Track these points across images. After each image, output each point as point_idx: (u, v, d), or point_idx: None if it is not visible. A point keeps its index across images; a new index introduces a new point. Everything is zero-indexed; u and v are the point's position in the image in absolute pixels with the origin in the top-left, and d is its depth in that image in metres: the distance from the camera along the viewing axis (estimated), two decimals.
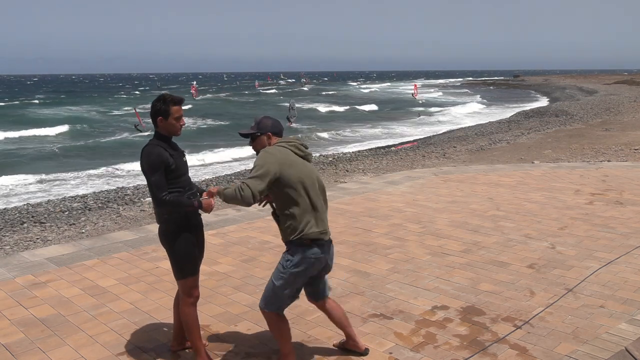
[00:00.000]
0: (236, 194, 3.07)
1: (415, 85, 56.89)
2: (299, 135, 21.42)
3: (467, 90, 78.67)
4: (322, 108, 46.50)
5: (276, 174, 3.15)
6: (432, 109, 43.21)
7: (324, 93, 74.58)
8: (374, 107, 47.20)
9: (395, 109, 45.58)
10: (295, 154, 3.30)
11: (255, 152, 3.36)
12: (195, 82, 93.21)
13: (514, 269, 5.22)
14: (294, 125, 31.30)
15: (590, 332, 3.94)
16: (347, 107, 46.97)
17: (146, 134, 30.41)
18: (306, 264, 3.27)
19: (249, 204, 3.11)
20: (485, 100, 50.67)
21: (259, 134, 3.34)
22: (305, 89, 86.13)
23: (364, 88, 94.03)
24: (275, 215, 3.39)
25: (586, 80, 77.64)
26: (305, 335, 3.95)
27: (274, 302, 3.32)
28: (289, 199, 3.22)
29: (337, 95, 70.61)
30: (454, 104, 48.44)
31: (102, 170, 18.17)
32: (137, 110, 35.09)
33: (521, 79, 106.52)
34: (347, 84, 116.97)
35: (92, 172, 17.88)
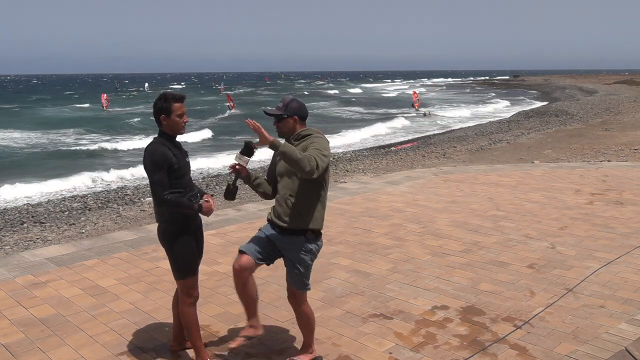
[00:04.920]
0: (304, 158, 3.08)
1: (415, 93, 41.89)
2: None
3: (497, 91, 73.93)
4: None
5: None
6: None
7: (377, 95, 62.97)
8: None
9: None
10: None
11: (278, 133, 3.39)
12: (133, 83, 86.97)
13: (514, 269, 5.22)
14: None
15: (590, 332, 3.94)
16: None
17: (238, 112, 38.84)
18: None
19: (310, 175, 3.14)
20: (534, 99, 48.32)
21: (285, 116, 3.32)
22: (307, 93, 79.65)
23: (402, 89, 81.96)
24: (265, 194, 3.56)
25: (586, 80, 77.60)
26: None
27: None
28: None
29: (395, 99, 56.01)
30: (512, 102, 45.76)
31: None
32: (229, 93, 48.67)
33: (521, 79, 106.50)
34: (367, 85, 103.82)
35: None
